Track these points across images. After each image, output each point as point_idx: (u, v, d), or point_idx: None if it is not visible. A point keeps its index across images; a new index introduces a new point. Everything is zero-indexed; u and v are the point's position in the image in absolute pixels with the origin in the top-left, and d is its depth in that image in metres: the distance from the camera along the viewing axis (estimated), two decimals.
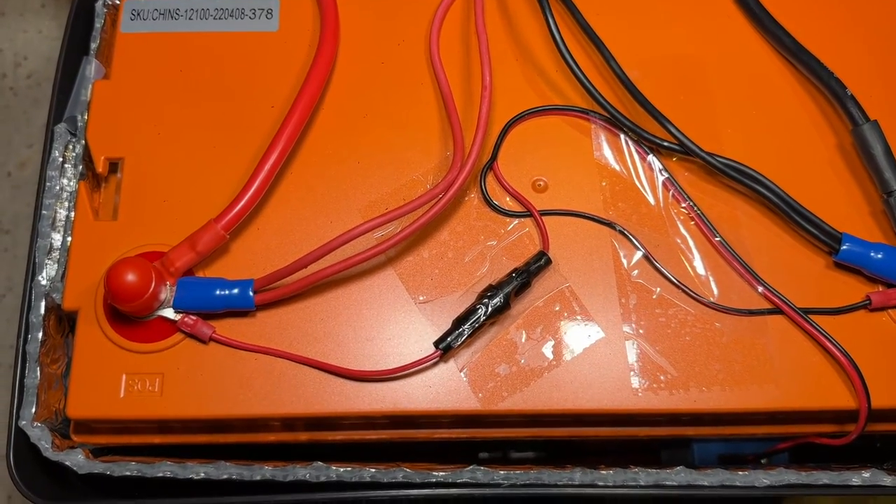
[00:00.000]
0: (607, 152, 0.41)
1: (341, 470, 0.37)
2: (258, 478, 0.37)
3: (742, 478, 0.37)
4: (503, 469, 0.37)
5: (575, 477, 0.37)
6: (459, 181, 0.37)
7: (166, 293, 0.37)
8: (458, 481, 0.37)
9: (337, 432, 0.38)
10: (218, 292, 0.36)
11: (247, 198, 0.37)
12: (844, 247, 0.38)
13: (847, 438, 0.38)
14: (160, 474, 0.37)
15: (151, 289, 0.35)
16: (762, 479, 0.37)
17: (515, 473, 0.37)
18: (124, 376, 0.36)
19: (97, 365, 0.37)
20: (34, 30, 0.67)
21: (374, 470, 0.37)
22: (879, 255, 0.38)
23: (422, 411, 0.37)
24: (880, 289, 0.39)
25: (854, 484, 0.38)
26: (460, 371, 0.37)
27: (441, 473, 0.37)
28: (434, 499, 0.38)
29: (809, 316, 0.38)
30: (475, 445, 0.54)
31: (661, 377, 0.37)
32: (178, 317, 0.37)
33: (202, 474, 0.37)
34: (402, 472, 0.37)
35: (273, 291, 0.37)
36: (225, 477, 0.37)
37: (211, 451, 0.39)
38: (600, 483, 0.37)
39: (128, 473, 0.37)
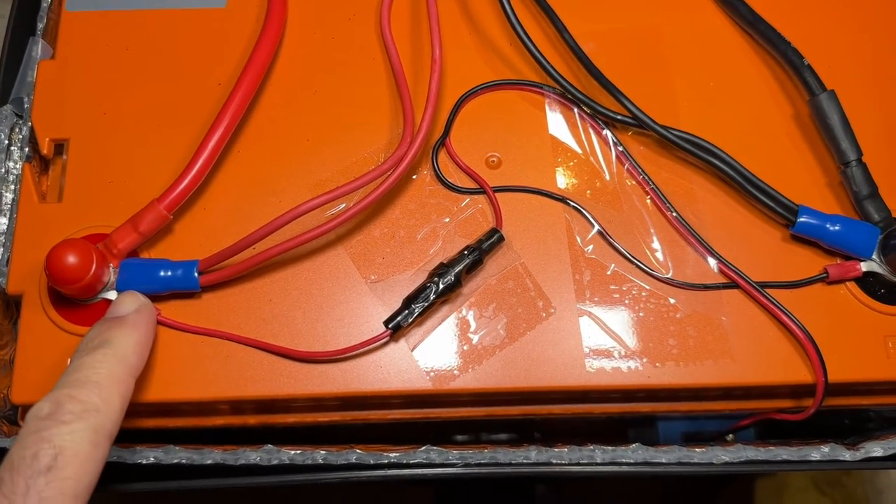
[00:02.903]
0: (561, 127, 0.40)
1: (293, 453, 0.36)
2: (208, 462, 0.36)
3: (700, 454, 0.37)
4: (457, 449, 0.37)
5: (531, 455, 0.37)
6: (409, 156, 0.37)
7: (110, 275, 0.36)
8: (412, 462, 0.37)
9: (287, 415, 0.38)
10: (162, 273, 0.36)
11: (190, 177, 0.36)
12: (801, 219, 0.37)
13: (805, 413, 0.37)
14: (109, 460, 0.36)
15: (93, 270, 0.34)
16: (721, 455, 0.37)
17: (469, 453, 0.37)
18: (69, 360, 0.36)
19: (42, 349, 0.36)
20: None
21: (325, 452, 0.36)
22: (836, 227, 0.37)
23: (373, 392, 0.36)
24: (838, 261, 0.38)
25: (813, 459, 0.37)
26: (412, 350, 0.37)
27: (394, 454, 0.36)
28: (388, 480, 0.38)
29: (766, 290, 0.37)
30: (447, 430, 0.53)
31: (616, 353, 0.36)
32: None
33: (151, 459, 0.36)
34: (354, 454, 0.36)
35: (218, 272, 0.36)
36: (175, 461, 0.36)
37: (162, 435, 0.38)
38: (556, 461, 0.37)
39: None
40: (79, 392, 0.27)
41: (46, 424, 0.26)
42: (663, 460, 0.37)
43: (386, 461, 0.36)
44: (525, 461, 0.37)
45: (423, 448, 0.37)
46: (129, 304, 0.32)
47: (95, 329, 0.30)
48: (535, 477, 0.37)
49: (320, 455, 0.36)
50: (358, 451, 0.36)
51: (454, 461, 0.36)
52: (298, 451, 0.36)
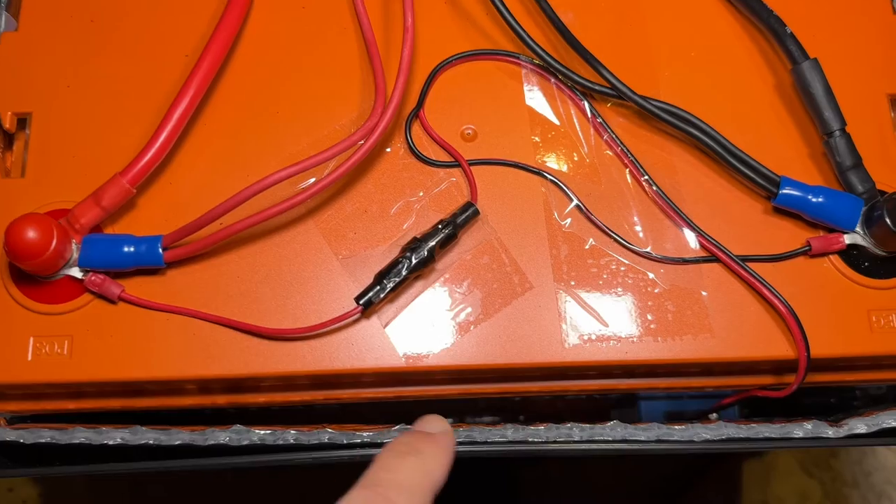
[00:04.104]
0: (539, 99, 0.39)
1: (263, 433, 0.35)
2: (176, 442, 0.35)
3: (680, 432, 0.36)
4: None
5: (507, 433, 0.36)
6: (381, 127, 0.35)
7: (72, 251, 0.35)
8: (386, 441, 0.36)
9: (257, 395, 0.37)
10: (125, 249, 0.35)
11: (153, 150, 0.35)
12: (783, 191, 0.36)
13: (788, 390, 0.37)
14: (75, 441, 0.36)
15: (53, 246, 0.33)
16: (702, 433, 0.36)
17: None
18: (31, 339, 0.35)
19: (2, 328, 0.35)
20: None
21: (296, 432, 0.35)
22: (819, 199, 0.36)
23: (344, 370, 0.35)
24: (821, 234, 0.37)
25: (796, 436, 0.37)
26: (384, 328, 0.36)
27: (368, 434, 0.36)
28: (362, 461, 0.37)
29: (747, 263, 0.36)
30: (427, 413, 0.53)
31: (593, 329, 0.36)
32: (84, 275, 0.35)
33: (118, 440, 0.35)
34: (327, 434, 0.35)
35: (183, 248, 0.35)
36: (142, 442, 0.36)
37: (130, 417, 0.37)
38: (533, 439, 0.36)
39: (42, 440, 0.36)
40: (393, 494, 0.27)
41: None
42: (642, 437, 0.36)
43: (359, 440, 0.35)
44: (501, 439, 0.36)
45: (398, 427, 0.36)
46: (439, 425, 0.32)
47: (406, 437, 0.30)
48: (514, 457, 0.37)
49: (291, 435, 0.35)
50: (330, 430, 0.36)
51: None
52: (269, 431, 0.35)
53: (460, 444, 0.36)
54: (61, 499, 0.70)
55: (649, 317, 0.36)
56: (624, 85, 0.37)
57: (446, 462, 0.30)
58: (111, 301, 0.35)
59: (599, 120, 0.39)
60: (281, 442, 0.36)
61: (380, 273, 0.35)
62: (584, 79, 0.38)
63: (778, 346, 0.36)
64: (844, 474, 0.67)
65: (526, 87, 0.39)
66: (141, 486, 0.62)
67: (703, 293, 0.36)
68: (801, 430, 0.37)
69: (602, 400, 0.48)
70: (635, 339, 0.35)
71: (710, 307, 0.36)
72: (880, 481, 0.67)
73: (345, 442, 0.36)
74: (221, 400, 0.37)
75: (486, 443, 0.36)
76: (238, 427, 0.35)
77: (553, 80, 0.39)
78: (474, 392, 0.37)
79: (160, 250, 0.35)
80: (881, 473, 0.67)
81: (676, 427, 0.36)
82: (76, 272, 0.35)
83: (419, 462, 0.29)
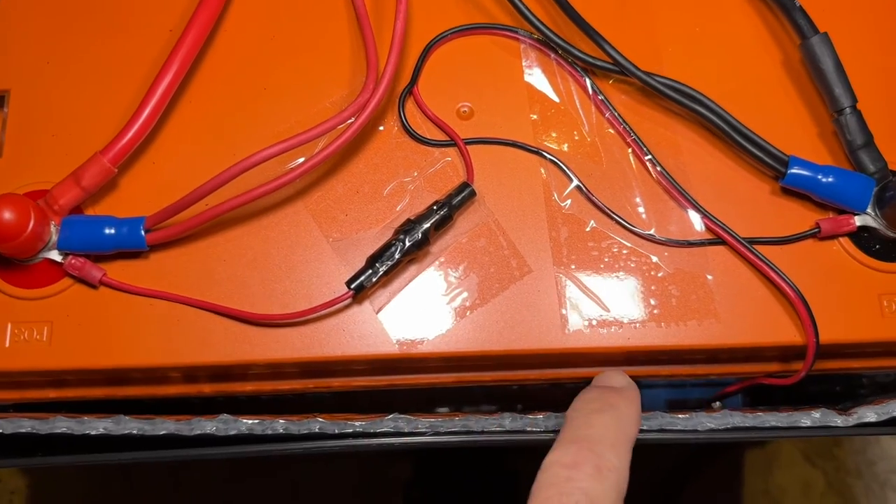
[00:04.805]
0: (538, 75, 0.38)
1: (250, 422, 0.34)
2: (161, 432, 0.34)
3: (684, 421, 0.35)
4: (427, 417, 0.35)
5: (504, 423, 0.34)
6: (372, 103, 0.34)
7: (51, 233, 0.33)
8: (379, 431, 0.34)
9: (245, 383, 0.36)
10: (106, 231, 0.33)
11: (136, 128, 0.34)
12: (792, 170, 0.35)
13: (795, 377, 0.35)
14: (56, 430, 0.34)
15: (31, 227, 0.32)
16: (706, 422, 0.35)
17: (439, 421, 0.34)
18: (9, 325, 0.34)
19: None
20: None
21: (286, 421, 0.34)
22: (829, 179, 0.35)
23: (335, 357, 0.34)
24: (830, 215, 0.36)
25: (804, 425, 0.35)
26: (377, 313, 0.34)
27: (360, 423, 0.34)
28: (354, 451, 0.35)
29: (754, 246, 0.35)
30: (421, 402, 0.51)
31: (594, 314, 0.34)
32: (64, 259, 0.34)
33: (101, 429, 0.34)
34: (317, 423, 0.34)
35: (166, 230, 0.33)
36: (126, 432, 0.34)
37: (114, 406, 0.36)
38: (531, 429, 0.34)
39: (22, 430, 0.34)
40: (600, 448, 0.27)
41: (574, 475, 0.26)
42: (644, 426, 0.35)
43: (351, 430, 0.34)
44: (498, 429, 0.34)
45: (391, 416, 0.34)
46: (622, 380, 0.32)
47: (595, 393, 0.30)
48: (511, 447, 0.35)
49: (280, 424, 0.34)
50: (321, 419, 0.34)
51: (423, 430, 0.34)
52: (257, 421, 0.34)
53: (454, 433, 0.34)
54: (49, 489, 0.68)
55: (652, 301, 0.34)
56: (627, 60, 0.36)
57: (637, 416, 0.30)
58: (92, 286, 0.34)
59: (601, 97, 0.37)
60: (270, 432, 0.34)
61: (372, 256, 0.34)
62: (586, 54, 0.37)
63: (785, 332, 0.34)
64: (848, 464, 0.66)
65: (524, 63, 0.38)
66: (131, 474, 0.61)
67: (709, 277, 0.35)
68: (809, 418, 0.35)
69: None
70: (638, 325, 0.34)
71: (716, 291, 0.35)
72: (884, 471, 0.66)
73: (336, 431, 0.34)
74: (208, 389, 0.35)
75: (482, 432, 0.35)
76: (225, 416, 0.34)
77: (553, 55, 0.38)
78: (471, 380, 0.36)
79: (142, 232, 0.33)
80: (885, 463, 0.66)
81: (680, 416, 0.35)
82: (55, 255, 0.34)
83: (615, 416, 0.29)
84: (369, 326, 0.34)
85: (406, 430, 0.34)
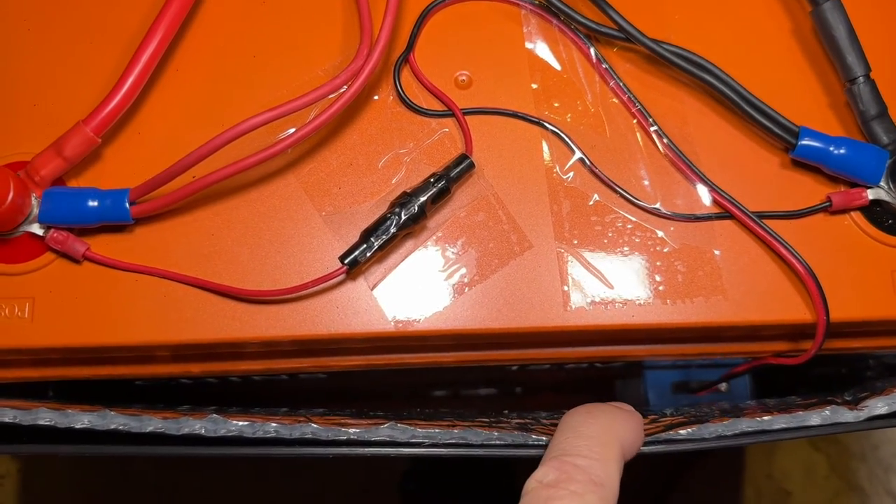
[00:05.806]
0: (539, 42, 0.36)
1: (241, 423, 0.32)
2: (148, 429, 0.32)
3: (689, 432, 0.33)
4: (424, 427, 0.33)
5: (506, 438, 0.32)
6: (366, 71, 0.33)
7: (32, 206, 0.32)
8: (373, 440, 0.33)
9: (235, 363, 0.34)
10: (89, 203, 0.32)
11: (119, 96, 0.32)
12: (802, 142, 0.34)
13: (805, 356, 0.34)
14: (39, 422, 0.33)
15: (10, 199, 0.31)
16: (712, 429, 0.33)
17: (437, 432, 0.32)
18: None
19: None
20: None
21: (277, 424, 0.32)
22: (841, 151, 0.34)
23: (329, 335, 0.32)
24: (842, 188, 0.35)
25: (814, 424, 0.34)
26: (372, 290, 0.33)
27: (354, 430, 0.32)
28: (347, 457, 0.34)
29: (763, 220, 0.34)
30: (420, 382, 0.50)
31: (597, 291, 0.33)
32: (46, 232, 0.32)
33: (85, 422, 0.33)
34: (310, 428, 0.32)
35: (152, 202, 0.32)
36: (111, 427, 0.33)
37: (99, 386, 0.35)
38: (535, 443, 0.32)
39: (5, 420, 0.33)
40: (585, 462, 0.27)
41: (554, 495, 0.26)
42: (647, 438, 0.33)
43: (344, 437, 0.32)
44: (498, 443, 0.33)
45: (387, 425, 0.32)
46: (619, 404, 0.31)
47: (587, 405, 0.30)
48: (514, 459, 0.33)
49: (272, 427, 0.32)
50: (314, 424, 0.32)
51: (420, 440, 0.33)
52: (247, 423, 0.32)
53: (451, 445, 0.33)
54: (40, 473, 0.67)
55: (658, 278, 0.33)
56: (633, 27, 0.34)
57: (630, 421, 0.29)
58: (75, 260, 0.33)
59: (605, 65, 0.36)
60: (260, 434, 0.32)
61: (366, 230, 0.33)
62: (589, 20, 0.35)
63: (795, 309, 0.33)
64: (851, 447, 0.65)
65: (525, 30, 0.36)
66: (122, 461, 0.60)
67: (716, 252, 0.34)
68: (819, 417, 0.34)
69: (606, 369, 0.45)
70: (642, 302, 0.33)
71: (723, 267, 0.33)
72: (888, 455, 0.65)
73: (328, 438, 0.32)
74: (196, 369, 0.34)
75: (482, 445, 0.33)
76: (214, 416, 0.32)
77: (555, 21, 0.36)
78: (469, 360, 0.35)
79: (127, 205, 0.32)
80: (889, 447, 0.65)
81: (681, 432, 0.33)
82: (37, 228, 0.32)
83: (604, 424, 0.28)
84: (364, 303, 0.33)
85: (401, 440, 0.33)
